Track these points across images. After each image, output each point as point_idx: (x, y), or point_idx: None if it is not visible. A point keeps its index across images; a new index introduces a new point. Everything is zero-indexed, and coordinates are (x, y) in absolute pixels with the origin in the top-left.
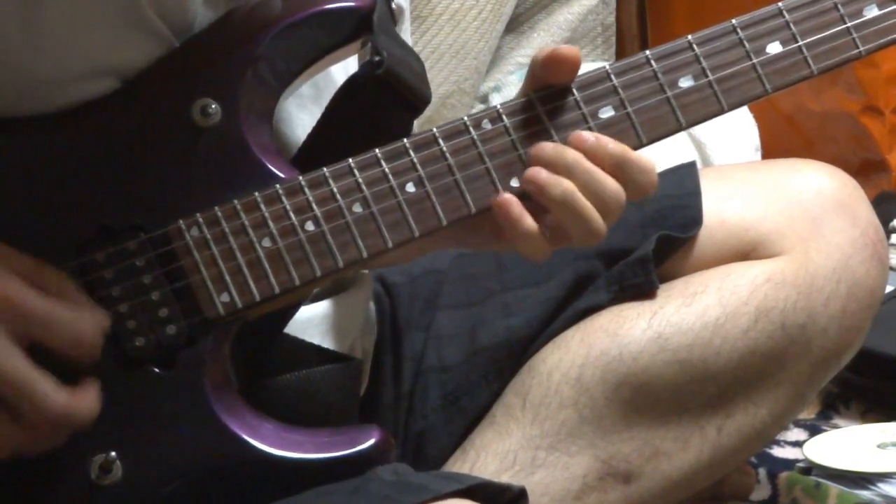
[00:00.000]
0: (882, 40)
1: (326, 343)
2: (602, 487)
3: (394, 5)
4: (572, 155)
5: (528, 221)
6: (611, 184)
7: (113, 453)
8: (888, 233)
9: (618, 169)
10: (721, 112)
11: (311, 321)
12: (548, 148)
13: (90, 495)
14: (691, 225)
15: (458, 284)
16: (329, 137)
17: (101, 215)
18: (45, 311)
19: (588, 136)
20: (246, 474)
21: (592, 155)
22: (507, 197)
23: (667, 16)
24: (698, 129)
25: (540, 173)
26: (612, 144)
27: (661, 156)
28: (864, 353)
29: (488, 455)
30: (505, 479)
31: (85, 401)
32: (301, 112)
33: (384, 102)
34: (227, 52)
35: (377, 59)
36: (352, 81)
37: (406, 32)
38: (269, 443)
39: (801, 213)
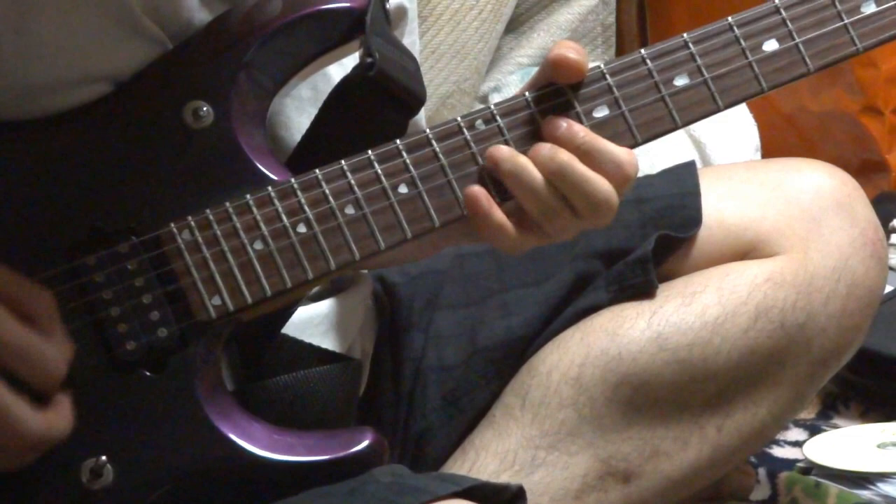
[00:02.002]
0: (880, 37)
1: (326, 343)
2: (602, 487)
3: (388, 5)
4: (565, 156)
5: (497, 215)
6: (604, 185)
7: (104, 457)
8: (888, 233)
9: (588, 159)
10: (717, 111)
11: (311, 321)
12: (544, 149)
13: (81, 500)
14: (690, 225)
15: (458, 284)
16: (323, 139)
17: (93, 218)
18: (18, 342)
19: (561, 123)
20: (238, 477)
21: (563, 143)
22: (476, 189)
23: (667, 16)
24: (698, 129)
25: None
26: (581, 133)
27: (661, 156)
28: (864, 353)
29: (488, 455)
30: (504, 478)
31: (59, 419)
32: (299, 115)
33: (377, 104)
34: (219, 54)
35: (369, 60)
36: (344, 83)
37: (414, 33)
38: (261, 445)
39: (801, 212)
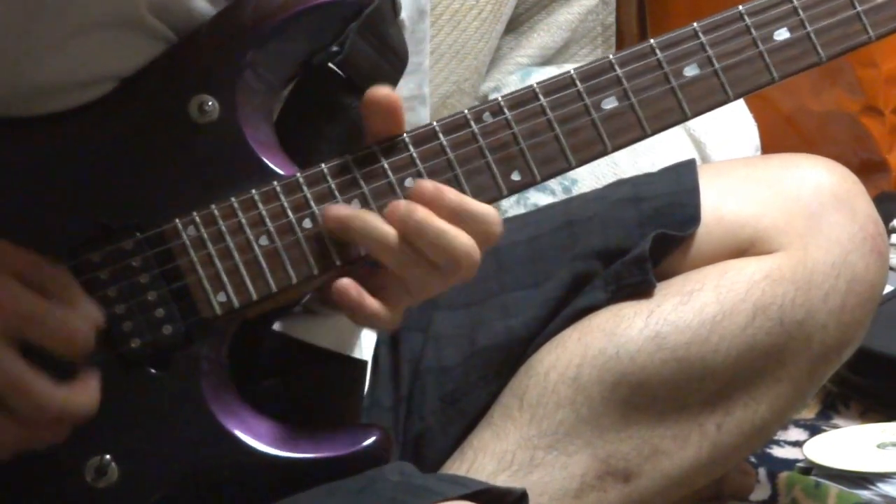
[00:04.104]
0: (893, 25)
1: (326, 343)
2: (601, 486)
3: None
4: (422, 214)
5: (369, 303)
6: (463, 239)
7: (108, 456)
8: (888, 233)
9: (456, 220)
10: (727, 101)
11: (312, 321)
12: (400, 207)
13: (86, 498)
14: (689, 223)
15: (457, 285)
16: (287, 122)
17: (98, 214)
18: (38, 312)
19: (427, 186)
20: (244, 475)
21: (432, 206)
22: (346, 282)
23: (667, 16)
24: (698, 129)
25: (386, 239)
26: (451, 194)
27: (661, 155)
28: (864, 353)
29: (486, 455)
30: (503, 478)
31: (84, 395)
32: None
33: (337, 93)
34: (224, 47)
35: (334, 49)
36: (311, 66)
37: (421, 54)
38: (267, 442)
39: (800, 208)
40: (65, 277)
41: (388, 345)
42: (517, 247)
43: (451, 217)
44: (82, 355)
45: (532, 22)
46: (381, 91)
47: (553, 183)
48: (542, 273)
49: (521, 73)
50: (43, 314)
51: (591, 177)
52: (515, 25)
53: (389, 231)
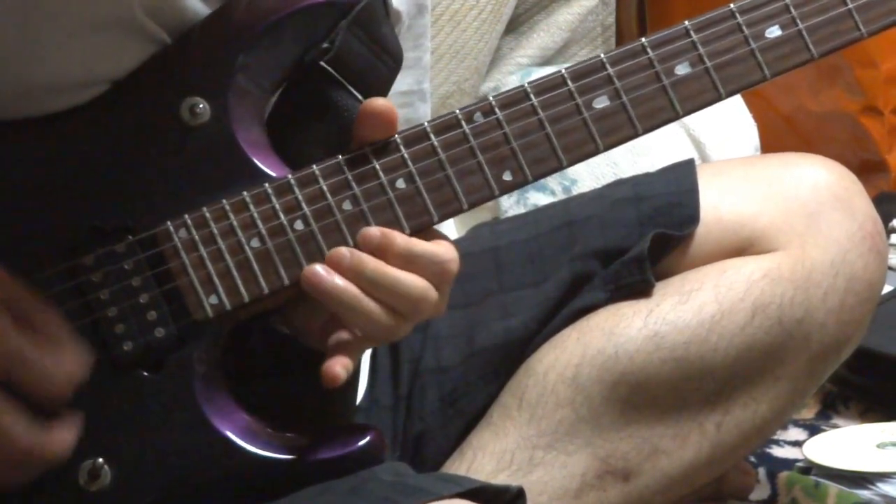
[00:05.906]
0: (885, 21)
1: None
2: (601, 486)
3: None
4: (372, 265)
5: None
6: (418, 283)
7: (101, 459)
8: (888, 233)
9: (408, 263)
10: (719, 99)
11: None
12: (345, 257)
13: (78, 502)
14: (688, 223)
15: (456, 285)
16: (278, 122)
17: (91, 217)
18: (20, 353)
19: (374, 234)
20: (237, 477)
21: (380, 253)
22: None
23: (667, 16)
24: (697, 129)
25: (322, 280)
26: (399, 239)
27: (660, 154)
28: (863, 353)
29: (485, 455)
30: (502, 478)
31: (56, 440)
32: None
33: (329, 92)
34: (215, 49)
35: (325, 45)
36: (302, 66)
37: (420, 49)
38: (260, 445)
39: (798, 207)
40: (55, 317)
41: (388, 345)
42: (516, 246)
43: (401, 262)
44: (60, 404)
45: (532, 22)
46: (378, 102)
47: (553, 183)
48: (542, 273)
49: (521, 73)
50: (27, 358)
51: (591, 177)
52: (515, 25)
53: (348, 288)
